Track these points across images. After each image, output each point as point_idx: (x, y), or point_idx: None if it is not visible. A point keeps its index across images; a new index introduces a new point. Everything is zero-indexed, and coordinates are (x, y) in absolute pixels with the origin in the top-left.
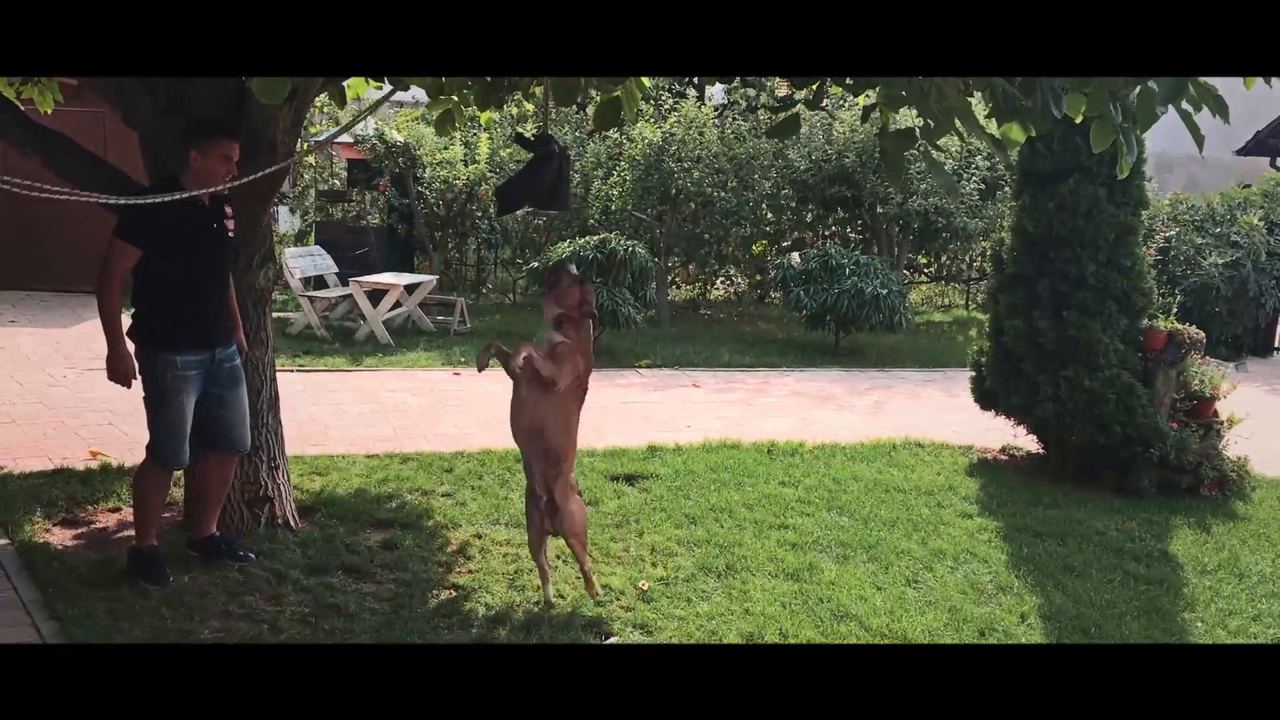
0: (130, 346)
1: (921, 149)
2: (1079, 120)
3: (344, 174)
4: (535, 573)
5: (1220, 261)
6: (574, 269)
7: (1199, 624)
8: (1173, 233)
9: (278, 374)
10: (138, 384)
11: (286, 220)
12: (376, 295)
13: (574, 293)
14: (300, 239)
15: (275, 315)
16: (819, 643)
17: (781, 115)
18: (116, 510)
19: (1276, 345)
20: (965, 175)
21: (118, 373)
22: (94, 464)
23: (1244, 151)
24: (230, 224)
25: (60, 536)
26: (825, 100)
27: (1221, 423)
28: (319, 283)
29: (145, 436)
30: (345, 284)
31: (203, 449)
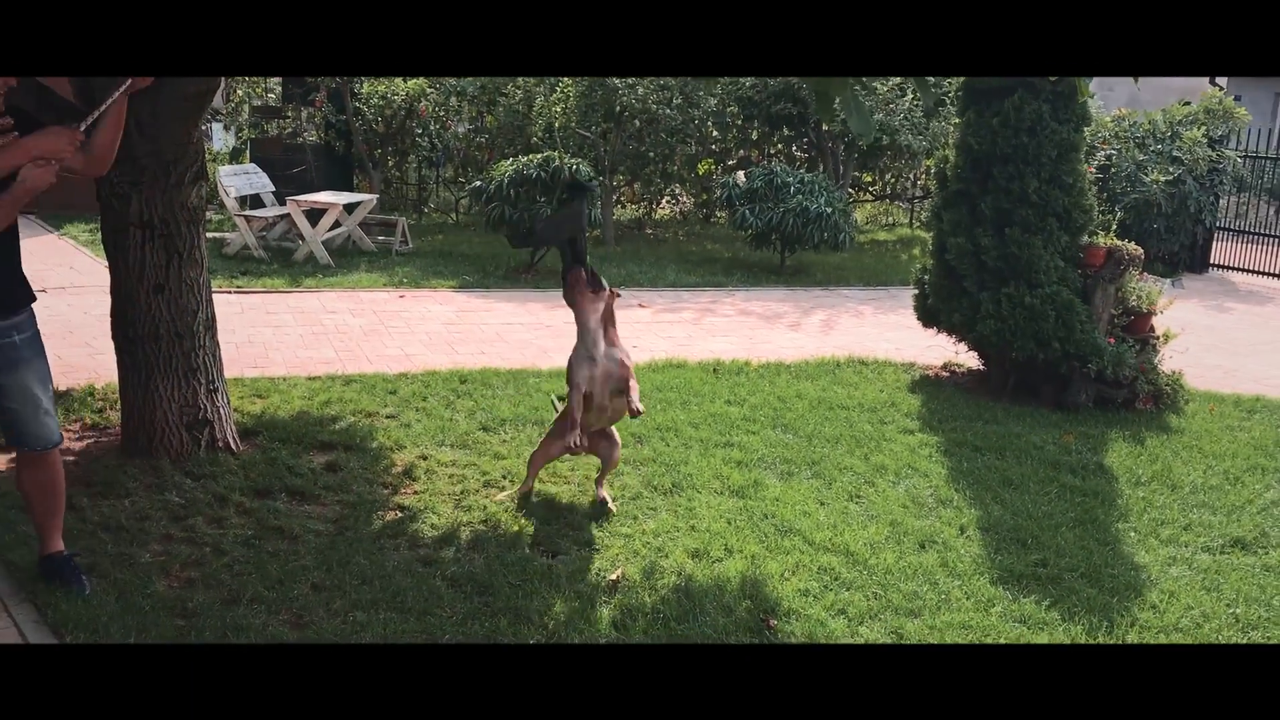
0: None
1: (849, 86)
2: None
3: (278, 89)
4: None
5: (1161, 179)
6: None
7: (1132, 534)
8: (1114, 150)
9: (214, 295)
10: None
11: (220, 138)
12: (315, 215)
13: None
14: (235, 157)
15: (210, 235)
16: (764, 557)
17: None
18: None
19: (1212, 262)
20: (908, 92)
21: None
22: None
23: None
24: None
25: None
26: None
27: (1158, 338)
28: (255, 202)
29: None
30: (282, 203)
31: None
